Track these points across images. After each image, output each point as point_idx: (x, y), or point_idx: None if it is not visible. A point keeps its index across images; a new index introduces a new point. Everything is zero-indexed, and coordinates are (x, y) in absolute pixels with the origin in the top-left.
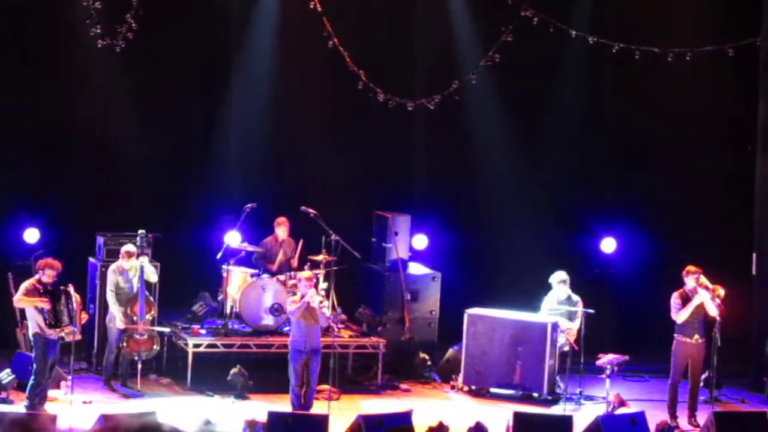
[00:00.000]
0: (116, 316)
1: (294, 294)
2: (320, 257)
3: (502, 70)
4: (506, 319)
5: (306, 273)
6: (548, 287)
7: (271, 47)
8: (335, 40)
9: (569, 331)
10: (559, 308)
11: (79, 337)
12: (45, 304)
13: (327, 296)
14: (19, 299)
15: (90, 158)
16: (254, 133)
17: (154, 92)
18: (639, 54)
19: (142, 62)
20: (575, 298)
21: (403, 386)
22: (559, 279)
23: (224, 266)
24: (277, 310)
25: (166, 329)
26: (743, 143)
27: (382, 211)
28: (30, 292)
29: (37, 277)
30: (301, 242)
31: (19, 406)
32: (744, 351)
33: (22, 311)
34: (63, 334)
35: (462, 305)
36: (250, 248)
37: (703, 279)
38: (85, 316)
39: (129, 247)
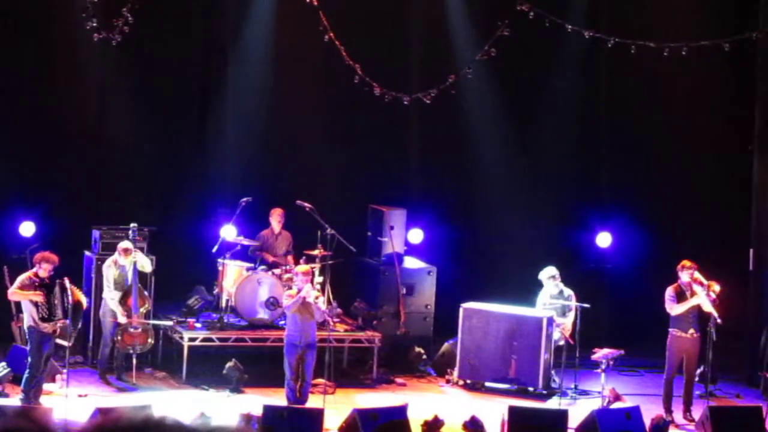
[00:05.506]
0: (117, 311)
1: (290, 288)
2: (316, 251)
3: (498, 65)
4: (501, 314)
5: (303, 267)
6: (541, 283)
7: (267, 41)
8: (331, 34)
9: (564, 325)
10: (553, 303)
11: (71, 343)
12: (39, 297)
13: (322, 290)
14: (13, 292)
15: (86, 152)
16: (250, 127)
17: (150, 85)
18: (635, 49)
19: (138, 55)
20: (568, 292)
21: (399, 380)
22: (548, 275)
23: (220, 260)
24: (272, 303)
25: (167, 323)
26: (740, 139)
27: (378, 205)
28: (25, 286)
29: (33, 270)
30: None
31: (14, 399)
32: (739, 346)
33: (18, 304)
34: (57, 327)
35: (457, 299)
36: (246, 242)
37: (698, 275)
38: (83, 299)
39: (126, 244)
